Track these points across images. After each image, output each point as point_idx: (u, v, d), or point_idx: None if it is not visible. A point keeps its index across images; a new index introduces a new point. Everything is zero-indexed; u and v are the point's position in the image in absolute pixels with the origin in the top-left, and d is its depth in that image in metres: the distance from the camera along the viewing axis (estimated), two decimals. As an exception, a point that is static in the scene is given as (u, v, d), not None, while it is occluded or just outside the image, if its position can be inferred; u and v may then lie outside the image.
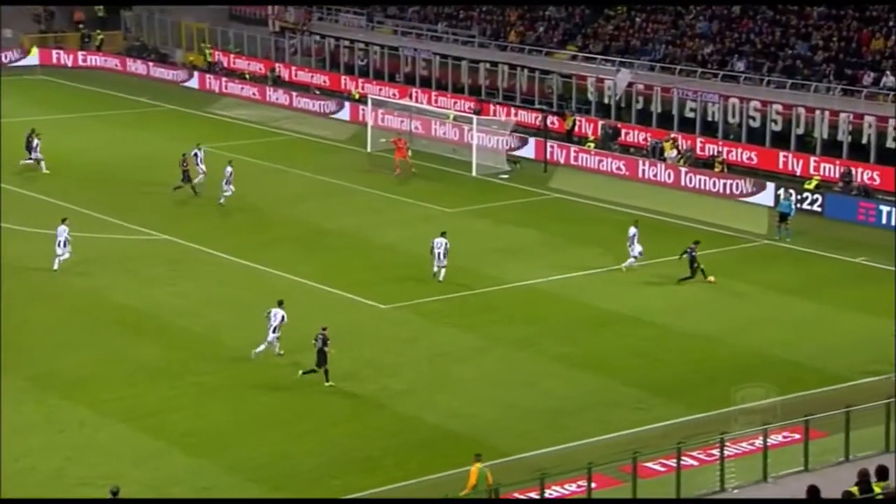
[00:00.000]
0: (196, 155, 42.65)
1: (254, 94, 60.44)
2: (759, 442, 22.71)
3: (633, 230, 34.72)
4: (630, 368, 28.41)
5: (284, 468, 23.84)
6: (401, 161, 46.11)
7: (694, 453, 23.05)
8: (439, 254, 33.81)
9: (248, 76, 62.51)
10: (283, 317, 28.63)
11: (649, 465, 22.73)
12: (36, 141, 44.75)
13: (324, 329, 27.53)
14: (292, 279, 34.49)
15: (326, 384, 27.16)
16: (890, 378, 26.83)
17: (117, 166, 45.79)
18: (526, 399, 26.59)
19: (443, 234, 34.25)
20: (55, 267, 34.56)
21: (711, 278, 33.23)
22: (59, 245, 34.52)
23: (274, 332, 28.55)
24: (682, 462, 22.12)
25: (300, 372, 27.41)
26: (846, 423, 22.49)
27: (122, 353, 29.09)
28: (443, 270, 33.87)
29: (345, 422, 25.81)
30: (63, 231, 34.76)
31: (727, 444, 22.46)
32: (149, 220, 39.55)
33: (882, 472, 16.53)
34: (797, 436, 23.15)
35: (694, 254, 33.43)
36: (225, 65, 64.21)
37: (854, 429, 22.58)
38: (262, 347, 28.50)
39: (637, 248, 34.44)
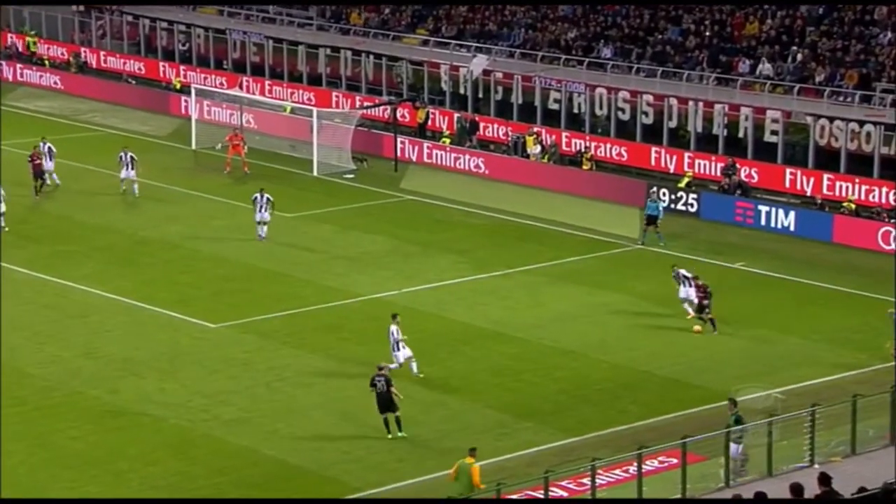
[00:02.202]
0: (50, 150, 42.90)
1: (56, 82, 58.97)
2: (633, 469, 23.31)
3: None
4: (493, 390, 28.81)
5: (101, 515, 23.39)
6: (234, 158, 45.72)
7: (563, 483, 23.52)
8: (261, 206, 37.54)
9: (47, 62, 60.94)
10: (393, 331, 28.26)
11: (514, 496, 23.07)
12: None
13: (381, 369, 26.16)
14: (104, 296, 33.83)
15: (396, 434, 25.81)
16: (771, 395, 27.89)
17: None
18: (378, 428, 26.68)
19: (261, 191, 38.05)
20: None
21: (697, 327, 31.64)
22: None
23: (398, 348, 28.19)
24: (550, 493, 22.54)
25: (389, 435, 25.93)
26: (726, 445, 23.27)
27: None
28: (265, 227, 37.61)
29: (169, 458, 25.45)
30: None
31: (599, 471, 22.99)
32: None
33: (761, 499, 17.15)
34: (674, 460, 23.83)
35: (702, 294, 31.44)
36: (20, 49, 62.47)
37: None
38: (414, 366, 28.38)
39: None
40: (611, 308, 33.80)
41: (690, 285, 32.07)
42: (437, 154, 48.09)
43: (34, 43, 61.39)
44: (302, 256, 37.56)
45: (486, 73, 50.20)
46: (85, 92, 57.76)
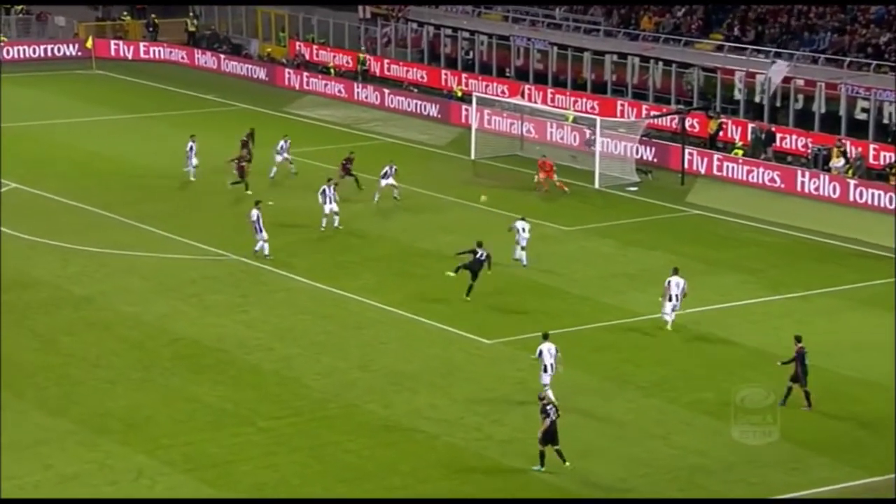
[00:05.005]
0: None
1: (340, 91, 61.31)
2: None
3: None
4: (783, 420, 27.94)
5: (370, 530, 24.08)
6: (547, 180, 45.07)
7: (860, 524, 22.67)
8: (519, 230, 37.20)
9: (333, 70, 63.43)
10: (541, 351, 28.35)
11: (805, 536, 22.39)
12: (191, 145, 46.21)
13: (543, 398, 26.13)
14: (379, 307, 34.82)
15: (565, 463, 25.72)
16: None
17: (179, 176, 46.79)
18: (656, 454, 26.39)
19: (523, 219, 37.85)
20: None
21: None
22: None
23: (548, 370, 28.21)
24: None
25: (567, 464, 25.65)
26: None
27: (182, 393, 29.62)
28: (524, 255, 37.34)
29: (441, 477, 25.91)
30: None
31: (901, 514, 22.03)
32: (214, 237, 40.29)
33: None
34: None
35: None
36: (307, 57, 65.26)
37: None
38: (546, 383, 28.31)
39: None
40: (919, 337, 32.29)
41: (673, 299, 31.58)
42: (727, 166, 47.25)
43: (364, 60, 61.99)
44: (580, 272, 37.62)
45: (785, 80, 49.01)
46: (367, 100, 59.72)
